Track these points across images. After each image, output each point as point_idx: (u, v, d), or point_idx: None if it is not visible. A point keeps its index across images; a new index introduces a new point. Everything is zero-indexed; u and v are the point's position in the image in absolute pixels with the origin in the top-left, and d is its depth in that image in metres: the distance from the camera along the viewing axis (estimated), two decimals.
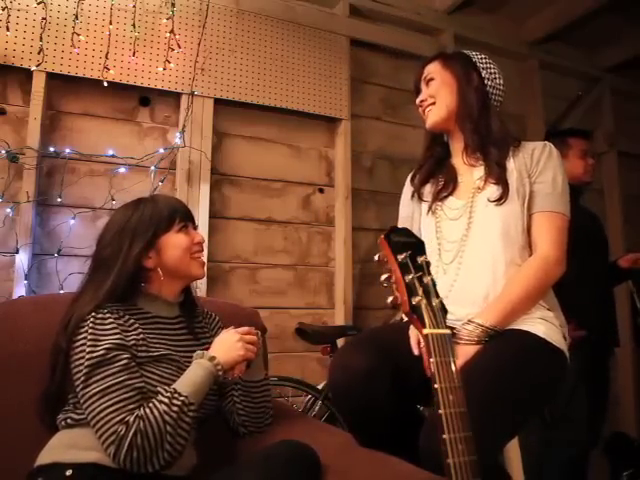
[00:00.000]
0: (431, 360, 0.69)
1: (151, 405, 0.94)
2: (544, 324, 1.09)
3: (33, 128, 1.86)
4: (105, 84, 1.98)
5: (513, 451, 1.14)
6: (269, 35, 2.34)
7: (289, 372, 2.16)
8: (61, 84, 1.98)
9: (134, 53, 2.02)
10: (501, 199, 1.18)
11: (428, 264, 0.76)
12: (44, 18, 1.88)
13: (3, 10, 1.83)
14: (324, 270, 2.41)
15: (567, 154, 2.13)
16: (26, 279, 1.79)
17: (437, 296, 0.74)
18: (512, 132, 1.31)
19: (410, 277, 0.73)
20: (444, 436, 0.65)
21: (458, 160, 1.31)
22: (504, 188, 1.19)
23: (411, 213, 1.37)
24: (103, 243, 1.10)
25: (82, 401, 0.95)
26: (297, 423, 1.27)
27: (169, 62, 2.08)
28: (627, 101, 3.33)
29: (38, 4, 1.88)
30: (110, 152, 2.00)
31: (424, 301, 0.72)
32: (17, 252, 1.80)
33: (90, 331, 0.98)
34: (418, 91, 1.37)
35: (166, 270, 1.10)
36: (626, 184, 3.25)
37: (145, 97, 2.13)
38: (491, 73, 1.31)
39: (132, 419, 0.91)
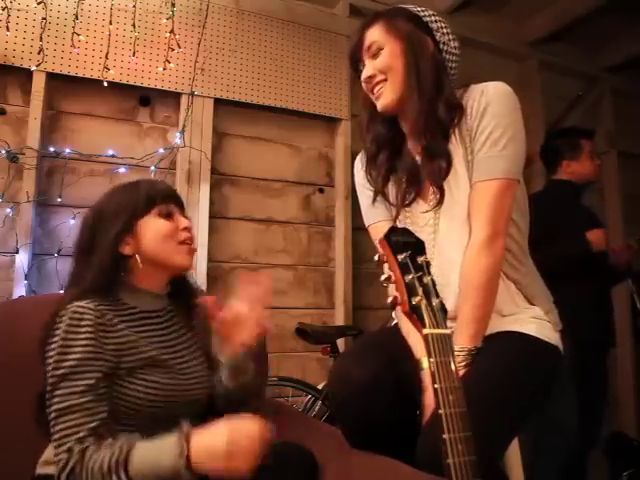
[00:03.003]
0: (430, 360, 0.69)
1: (99, 454, 0.83)
2: (535, 322, 1.07)
3: (33, 128, 1.87)
4: (105, 84, 1.99)
5: (513, 452, 1.14)
6: (269, 35, 2.34)
7: (289, 372, 2.16)
8: (61, 84, 1.98)
9: (134, 53, 2.02)
10: (438, 204, 1.06)
11: (428, 264, 0.75)
12: (44, 18, 1.88)
13: (3, 10, 1.83)
14: (324, 270, 2.41)
15: (580, 156, 2.14)
16: (26, 279, 1.79)
17: (437, 296, 0.74)
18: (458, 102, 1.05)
19: (410, 277, 0.73)
20: (444, 436, 0.65)
21: (413, 144, 1.13)
22: (440, 191, 1.05)
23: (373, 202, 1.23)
24: (81, 232, 1.03)
25: (47, 409, 0.90)
26: (297, 423, 1.27)
27: (169, 62, 2.08)
28: (627, 101, 3.33)
29: (38, 4, 1.88)
30: (110, 152, 2.01)
31: (424, 301, 0.72)
32: (17, 252, 1.81)
33: (62, 335, 0.90)
34: (357, 63, 1.13)
35: (145, 258, 1.00)
36: (626, 184, 3.24)
37: (145, 97, 2.13)
38: (444, 34, 1.08)
39: (76, 451, 0.84)
